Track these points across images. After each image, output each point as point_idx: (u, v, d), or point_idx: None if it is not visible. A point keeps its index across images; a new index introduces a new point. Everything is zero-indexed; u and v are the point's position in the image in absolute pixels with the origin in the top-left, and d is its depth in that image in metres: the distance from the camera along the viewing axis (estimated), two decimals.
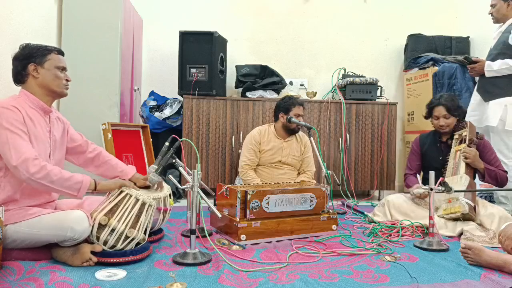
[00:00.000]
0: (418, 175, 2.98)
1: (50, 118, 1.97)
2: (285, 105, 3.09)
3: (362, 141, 3.87)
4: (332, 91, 4.13)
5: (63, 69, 1.96)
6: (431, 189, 2.20)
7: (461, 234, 2.40)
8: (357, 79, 3.87)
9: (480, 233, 2.33)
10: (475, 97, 3.21)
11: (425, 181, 2.68)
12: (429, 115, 2.88)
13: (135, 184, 2.07)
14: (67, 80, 1.96)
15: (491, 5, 3.18)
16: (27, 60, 1.87)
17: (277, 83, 4.01)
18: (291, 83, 4.35)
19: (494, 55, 3.07)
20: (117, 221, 1.81)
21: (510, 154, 3.01)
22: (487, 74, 3.05)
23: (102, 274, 1.67)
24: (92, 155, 2.14)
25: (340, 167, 3.81)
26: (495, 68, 3.00)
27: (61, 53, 1.98)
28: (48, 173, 1.74)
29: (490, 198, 3.17)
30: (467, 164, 2.62)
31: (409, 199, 2.74)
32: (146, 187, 2.13)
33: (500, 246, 2.01)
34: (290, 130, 3.12)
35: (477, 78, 3.30)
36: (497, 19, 3.18)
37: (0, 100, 1.85)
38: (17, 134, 1.75)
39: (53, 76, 1.90)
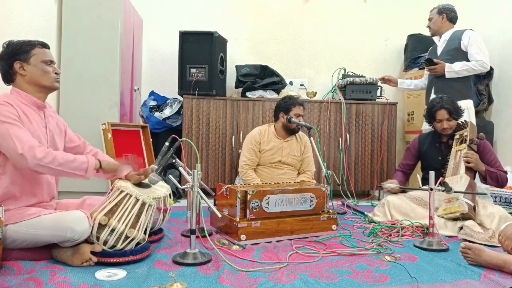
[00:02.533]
0: (404, 174, 3.02)
1: (45, 114, 1.95)
2: (286, 105, 3.10)
3: (362, 141, 3.87)
4: (332, 91, 4.13)
5: (51, 62, 1.92)
6: (431, 189, 2.20)
7: (460, 229, 2.41)
8: (357, 79, 3.87)
9: (479, 230, 2.33)
10: None
11: (425, 181, 2.68)
12: (432, 119, 2.88)
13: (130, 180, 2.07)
14: (56, 74, 1.92)
15: (429, 19, 3.43)
16: (12, 59, 1.84)
17: (277, 83, 4.01)
18: (291, 83, 4.35)
19: (448, 60, 3.23)
20: (117, 221, 1.81)
21: None
22: (447, 75, 3.21)
23: (102, 274, 1.67)
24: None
25: (340, 167, 3.81)
26: (456, 69, 3.18)
27: (45, 46, 1.93)
28: (55, 156, 1.76)
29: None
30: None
31: (409, 199, 2.74)
32: (138, 184, 2.12)
33: (499, 245, 2.02)
34: (290, 130, 3.12)
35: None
36: (434, 31, 3.42)
37: None
38: (16, 125, 1.74)
39: (40, 71, 1.87)
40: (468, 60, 3.19)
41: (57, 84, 1.94)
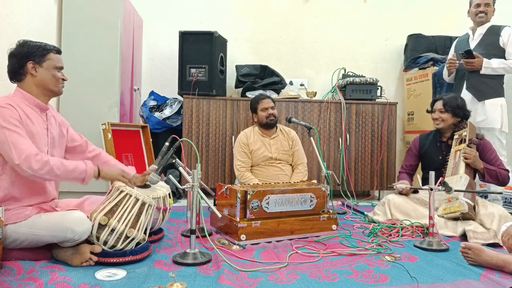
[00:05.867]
0: (408, 175, 3.02)
1: (47, 116, 1.96)
2: (252, 105, 3.26)
3: (362, 141, 3.87)
4: (332, 91, 4.12)
5: (61, 68, 1.97)
6: (431, 189, 2.20)
7: (462, 234, 2.39)
8: (357, 79, 3.87)
9: (482, 229, 2.33)
10: (466, 96, 3.18)
11: (425, 181, 2.68)
12: (431, 109, 2.93)
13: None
14: (63, 80, 1.97)
15: (486, 4, 3.26)
16: (26, 59, 1.86)
17: (277, 83, 4.01)
18: (291, 83, 4.35)
19: (483, 55, 3.15)
20: (117, 221, 1.81)
21: (504, 151, 3.14)
22: (483, 71, 3.13)
23: (102, 274, 1.67)
24: (91, 155, 2.14)
25: (340, 167, 3.81)
26: (494, 66, 3.11)
27: (59, 52, 1.98)
28: (51, 167, 1.75)
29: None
30: (467, 164, 2.63)
31: (409, 199, 2.74)
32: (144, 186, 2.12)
33: (501, 245, 2.02)
34: (267, 125, 3.20)
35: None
36: (486, 20, 3.28)
37: None
38: (16, 132, 1.74)
39: (50, 76, 1.91)
40: (504, 58, 3.12)
41: (62, 89, 1.99)
